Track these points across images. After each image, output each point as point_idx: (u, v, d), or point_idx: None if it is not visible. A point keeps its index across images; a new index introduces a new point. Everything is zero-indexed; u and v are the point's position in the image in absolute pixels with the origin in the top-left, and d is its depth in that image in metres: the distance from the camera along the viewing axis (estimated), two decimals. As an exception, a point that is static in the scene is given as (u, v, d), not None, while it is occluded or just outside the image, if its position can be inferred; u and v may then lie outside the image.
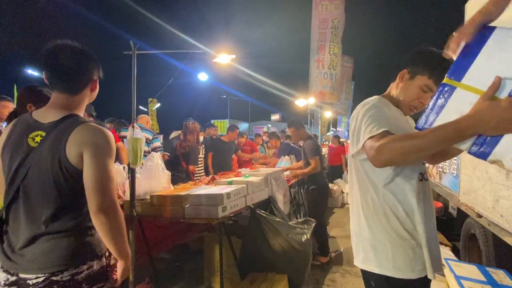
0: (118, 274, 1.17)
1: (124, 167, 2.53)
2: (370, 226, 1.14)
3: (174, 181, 3.20)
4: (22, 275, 1.04)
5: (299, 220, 2.79)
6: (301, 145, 3.70)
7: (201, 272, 2.85)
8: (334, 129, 15.31)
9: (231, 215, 2.21)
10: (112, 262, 1.20)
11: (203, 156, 4.43)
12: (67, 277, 1.05)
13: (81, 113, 1.18)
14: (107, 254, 1.18)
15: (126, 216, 2.18)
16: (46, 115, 1.11)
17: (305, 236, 2.45)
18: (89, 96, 1.22)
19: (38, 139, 1.07)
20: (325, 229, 3.64)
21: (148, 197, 2.25)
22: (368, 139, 1.00)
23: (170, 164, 3.98)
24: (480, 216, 2.08)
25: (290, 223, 2.56)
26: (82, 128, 1.08)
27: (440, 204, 3.82)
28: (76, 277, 1.06)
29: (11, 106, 2.87)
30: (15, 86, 3.94)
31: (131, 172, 2.14)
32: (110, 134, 1.13)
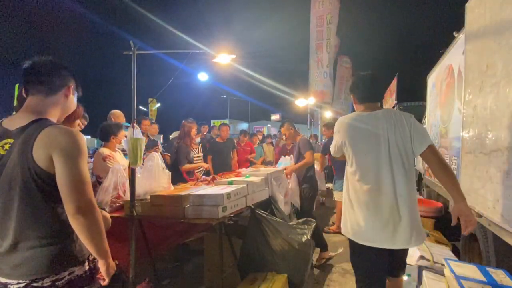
0: (102, 273, 1.19)
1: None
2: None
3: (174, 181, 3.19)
4: (3, 280, 1.07)
5: (299, 220, 2.78)
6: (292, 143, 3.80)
7: (201, 272, 2.85)
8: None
9: (231, 215, 2.21)
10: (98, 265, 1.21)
11: (200, 155, 4.40)
12: (48, 283, 1.07)
13: (53, 118, 1.18)
14: (91, 258, 1.20)
15: (126, 216, 2.18)
16: (15, 121, 1.12)
17: (305, 236, 2.45)
18: (63, 102, 1.23)
19: (7, 146, 1.07)
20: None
21: (148, 197, 2.25)
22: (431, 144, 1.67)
23: (171, 164, 3.96)
24: (480, 216, 2.08)
25: (290, 223, 2.56)
26: (49, 131, 1.07)
27: (440, 204, 3.81)
28: (57, 283, 1.08)
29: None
30: (16, 87, 3.94)
31: (131, 172, 2.14)
32: (79, 135, 1.12)
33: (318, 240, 3.43)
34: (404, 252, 1.84)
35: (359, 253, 1.73)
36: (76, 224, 1.06)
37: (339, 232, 4.16)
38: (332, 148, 1.89)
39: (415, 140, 1.67)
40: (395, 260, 1.81)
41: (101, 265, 1.17)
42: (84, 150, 1.11)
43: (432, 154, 1.65)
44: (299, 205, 3.58)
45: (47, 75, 1.18)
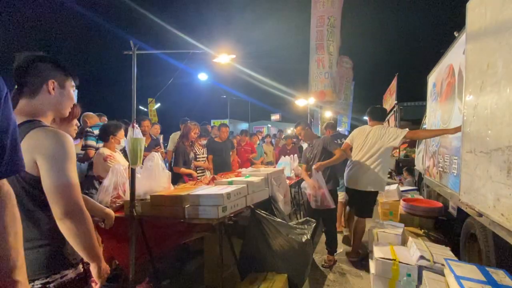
0: (94, 276, 1.18)
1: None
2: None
3: (174, 181, 3.18)
4: None
5: (299, 220, 2.78)
6: (309, 144, 3.68)
7: (201, 272, 2.85)
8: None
9: (231, 215, 2.20)
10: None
11: (205, 156, 4.41)
12: (38, 285, 1.06)
13: (45, 119, 1.14)
14: (85, 260, 1.18)
15: (126, 216, 2.18)
16: None
17: (305, 236, 2.44)
18: (50, 99, 1.16)
19: None
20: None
21: (148, 197, 2.24)
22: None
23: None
24: (480, 215, 2.08)
25: (290, 223, 2.56)
26: (34, 134, 1.04)
27: (440, 204, 3.81)
28: (48, 286, 1.07)
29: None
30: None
31: (131, 172, 2.13)
32: (65, 137, 1.09)
33: (333, 243, 3.43)
34: (361, 195, 3.34)
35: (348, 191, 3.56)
36: (63, 228, 1.05)
37: (338, 232, 4.16)
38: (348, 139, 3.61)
39: (399, 134, 3.17)
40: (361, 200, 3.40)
41: (92, 268, 1.16)
42: (70, 152, 1.08)
43: (411, 135, 3.21)
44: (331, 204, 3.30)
45: (25, 75, 1.13)
